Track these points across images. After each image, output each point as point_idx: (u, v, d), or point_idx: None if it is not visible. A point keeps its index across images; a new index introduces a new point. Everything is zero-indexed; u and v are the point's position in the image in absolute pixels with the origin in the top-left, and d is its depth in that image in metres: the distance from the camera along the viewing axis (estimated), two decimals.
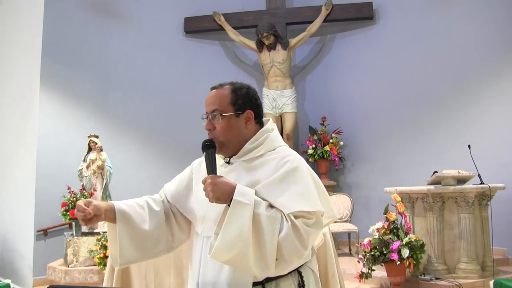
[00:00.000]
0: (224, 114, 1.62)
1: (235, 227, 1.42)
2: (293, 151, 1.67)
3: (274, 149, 1.65)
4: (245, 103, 1.65)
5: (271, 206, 1.49)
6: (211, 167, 1.54)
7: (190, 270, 1.73)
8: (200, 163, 1.77)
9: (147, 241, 1.69)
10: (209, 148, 1.58)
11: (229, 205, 1.45)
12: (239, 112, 1.63)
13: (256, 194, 1.50)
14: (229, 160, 1.67)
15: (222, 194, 1.46)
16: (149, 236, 1.69)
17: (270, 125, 1.72)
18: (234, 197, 1.44)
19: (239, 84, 1.70)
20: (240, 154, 1.64)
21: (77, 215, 1.57)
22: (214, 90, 1.69)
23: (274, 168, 1.56)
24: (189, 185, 1.77)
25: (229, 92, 1.65)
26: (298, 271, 1.60)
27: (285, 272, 1.54)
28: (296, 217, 1.46)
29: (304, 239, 1.45)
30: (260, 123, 1.70)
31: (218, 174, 1.55)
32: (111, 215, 1.64)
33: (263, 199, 1.50)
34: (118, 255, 1.64)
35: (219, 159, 1.67)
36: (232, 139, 1.63)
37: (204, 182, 1.50)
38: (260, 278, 1.51)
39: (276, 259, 1.44)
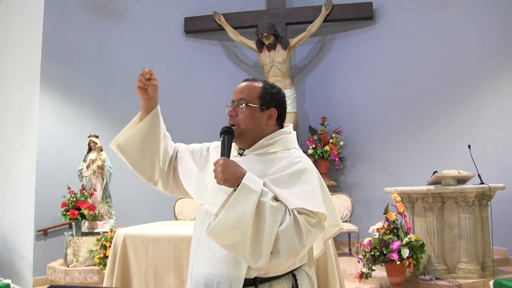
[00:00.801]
0: (249, 104, 1.66)
1: (238, 210, 1.41)
2: (306, 155, 1.69)
3: (288, 150, 1.68)
4: (272, 100, 1.69)
5: (276, 199, 1.50)
6: (225, 151, 1.56)
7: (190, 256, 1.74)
8: (217, 147, 1.79)
9: (148, 156, 1.75)
10: (227, 134, 1.61)
11: (235, 190, 1.45)
12: (264, 107, 1.67)
13: (264, 185, 1.51)
14: (242, 152, 1.70)
15: (231, 177, 1.46)
16: (152, 156, 1.75)
17: (290, 129, 1.76)
18: (242, 181, 1.45)
19: (272, 83, 1.76)
20: (255, 147, 1.67)
21: (140, 78, 1.66)
22: (247, 81, 1.74)
23: (285, 165, 1.58)
24: (202, 162, 1.79)
25: (261, 86, 1.71)
26: (292, 274, 1.59)
27: (278, 270, 1.53)
28: (299, 213, 1.46)
29: (303, 236, 1.44)
30: (280, 125, 1.74)
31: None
32: (151, 107, 1.75)
33: (270, 191, 1.51)
34: (125, 137, 1.74)
35: (233, 150, 1.69)
36: (251, 130, 1.66)
37: (215, 163, 1.50)
38: (253, 268, 1.49)
39: (271, 253, 1.43)
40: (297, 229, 1.44)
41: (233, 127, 1.64)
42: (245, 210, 1.42)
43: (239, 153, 1.71)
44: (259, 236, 1.43)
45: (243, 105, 1.66)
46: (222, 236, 1.42)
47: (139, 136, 1.73)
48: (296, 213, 1.46)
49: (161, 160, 1.77)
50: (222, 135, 1.60)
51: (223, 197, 1.48)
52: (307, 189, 1.53)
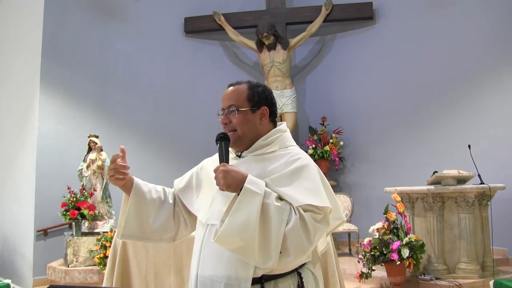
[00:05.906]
0: (240, 109, 1.67)
1: (243, 214, 1.42)
2: (304, 152, 1.70)
3: (286, 147, 1.69)
4: (261, 100, 1.71)
5: (280, 198, 1.51)
6: (224, 157, 1.57)
7: (191, 260, 1.75)
8: (210, 160, 1.83)
9: (153, 227, 1.76)
10: (223, 140, 1.61)
11: (238, 194, 1.46)
12: (254, 108, 1.69)
13: (266, 186, 1.51)
14: (240, 154, 1.71)
15: (233, 182, 1.47)
16: (156, 224, 1.76)
17: (284, 126, 1.78)
18: (245, 185, 1.46)
19: (256, 82, 1.77)
20: (252, 149, 1.68)
21: (110, 167, 1.67)
22: (232, 86, 1.74)
23: (284, 163, 1.59)
24: (198, 182, 1.81)
25: (246, 88, 1.71)
26: (297, 272, 1.60)
27: (287, 268, 1.54)
28: (304, 211, 1.47)
29: (311, 234, 1.46)
30: (273, 122, 1.76)
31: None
32: (129, 185, 1.73)
33: (273, 191, 1.51)
34: (122, 226, 1.73)
35: (231, 153, 1.70)
36: (247, 133, 1.67)
37: (216, 170, 1.51)
38: (263, 269, 1.49)
39: (280, 252, 1.44)
40: (304, 227, 1.45)
41: (228, 133, 1.65)
42: (250, 213, 1.42)
43: (237, 155, 1.72)
44: (267, 238, 1.44)
45: (234, 110, 1.66)
46: (229, 241, 1.43)
47: (133, 218, 1.73)
48: (301, 211, 1.47)
49: (166, 223, 1.79)
50: (218, 142, 1.61)
51: (226, 203, 1.49)
52: (310, 185, 1.54)
